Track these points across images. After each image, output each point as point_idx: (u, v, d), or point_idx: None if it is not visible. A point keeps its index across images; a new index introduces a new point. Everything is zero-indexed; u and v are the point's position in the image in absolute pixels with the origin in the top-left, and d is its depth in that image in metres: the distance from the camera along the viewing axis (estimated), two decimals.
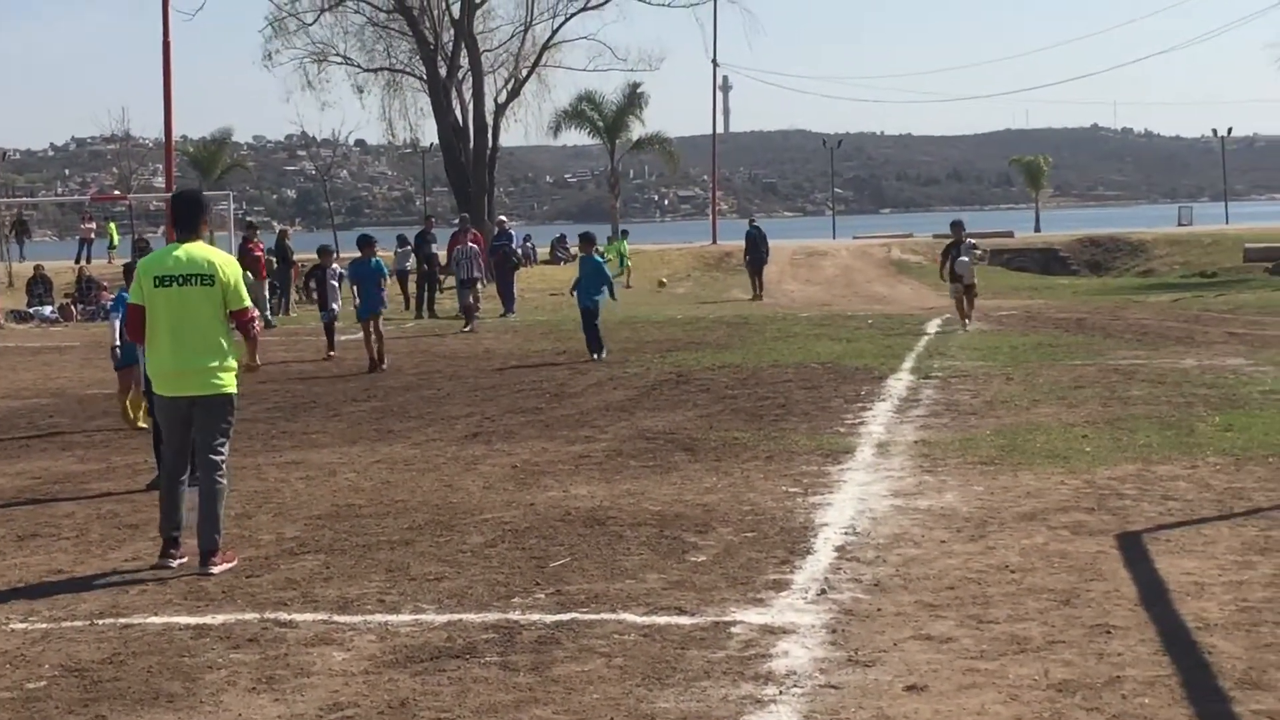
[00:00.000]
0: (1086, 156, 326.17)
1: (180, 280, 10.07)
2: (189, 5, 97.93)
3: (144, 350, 10.53)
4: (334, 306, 27.21)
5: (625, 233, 58.93)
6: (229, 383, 10.21)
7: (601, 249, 61.92)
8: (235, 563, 10.03)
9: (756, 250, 46.67)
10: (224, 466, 10.21)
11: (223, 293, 10.15)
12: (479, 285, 37.84)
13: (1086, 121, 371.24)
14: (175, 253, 10.21)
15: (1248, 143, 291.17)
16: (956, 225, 30.59)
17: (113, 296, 18.25)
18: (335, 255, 30.31)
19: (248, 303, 10.40)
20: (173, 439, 10.30)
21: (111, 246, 61.05)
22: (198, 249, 10.24)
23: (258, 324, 10.77)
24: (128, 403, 17.15)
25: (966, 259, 28.83)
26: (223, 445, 10.22)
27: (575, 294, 25.30)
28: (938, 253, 36.23)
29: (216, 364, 10.11)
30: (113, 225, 64.09)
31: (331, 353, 26.37)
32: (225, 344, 10.19)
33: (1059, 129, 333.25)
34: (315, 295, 30.84)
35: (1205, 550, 9.52)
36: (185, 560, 10.02)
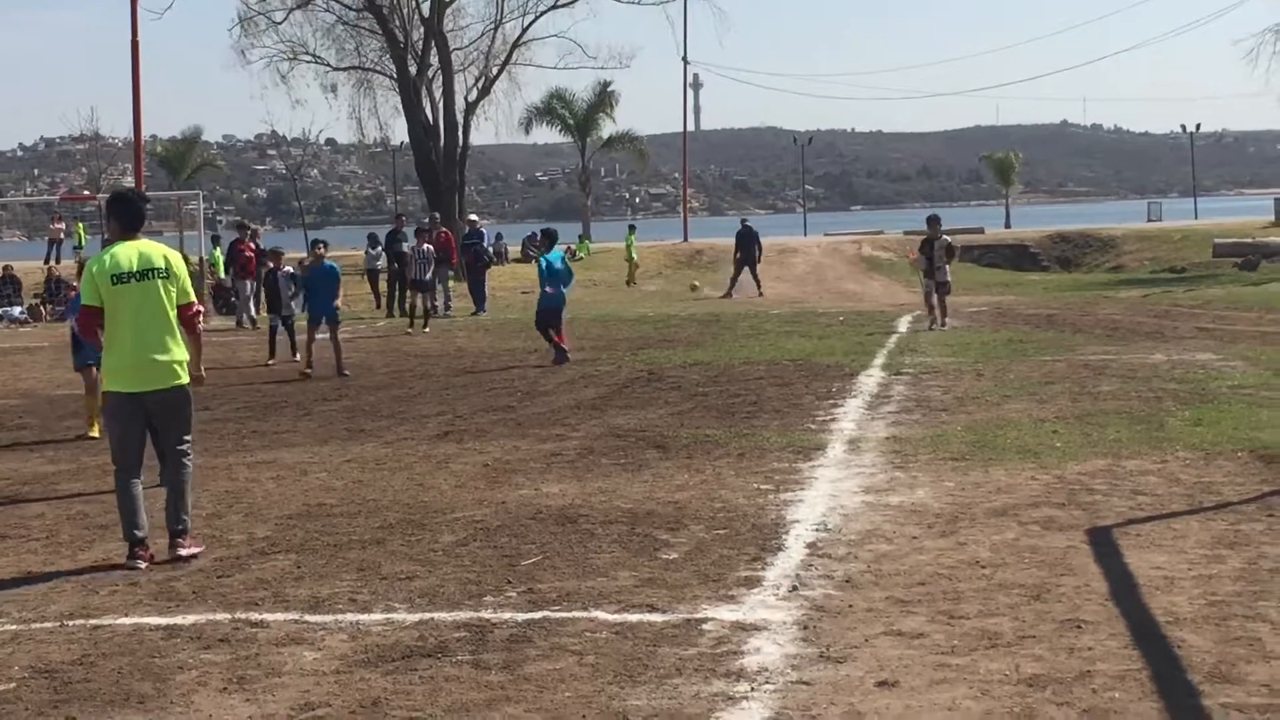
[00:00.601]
0: (1057, 153, 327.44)
1: (139, 276, 10.28)
2: (158, 4, 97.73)
3: (101, 349, 10.62)
4: (292, 307, 26.14)
5: (633, 228, 58.60)
6: (185, 375, 10.49)
7: (573, 246, 62.18)
8: (202, 549, 10.28)
9: (748, 248, 46.51)
10: (189, 454, 10.63)
11: (177, 286, 10.44)
12: (446, 285, 37.78)
13: (1056, 118, 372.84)
14: (126, 251, 10.38)
15: (1216, 138, 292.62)
16: (933, 221, 30.05)
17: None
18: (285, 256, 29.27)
19: (194, 297, 10.69)
20: (130, 437, 10.45)
21: (78, 247, 60.61)
22: (146, 245, 10.48)
23: (201, 321, 10.89)
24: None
25: (925, 257, 28.84)
26: (188, 436, 10.61)
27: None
28: (909, 249, 36.34)
29: (175, 357, 10.39)
30: (81, 225, 63.69)
31: (295, 356, 25.07)
32: (180, 337, 10.48)
33: (1029, 125, 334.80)
34: (267, 297, 29.21)
35: (1175, 544, 9.55)
36: (150, 562, 10.03)
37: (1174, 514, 10.52)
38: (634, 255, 53.99)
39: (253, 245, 39.15)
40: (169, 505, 10.32)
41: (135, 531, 10.17)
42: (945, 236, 29.72)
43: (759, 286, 45.44)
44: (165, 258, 10.44)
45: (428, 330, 31.27)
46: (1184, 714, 6.37)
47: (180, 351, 10.44)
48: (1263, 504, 10.71)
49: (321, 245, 25.11)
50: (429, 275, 33.68)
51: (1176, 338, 23.99)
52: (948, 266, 28.89)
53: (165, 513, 10.32)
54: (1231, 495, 11.09)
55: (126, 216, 10.61)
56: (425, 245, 34.31)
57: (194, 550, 10.23)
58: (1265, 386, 16.98)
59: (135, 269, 10.28)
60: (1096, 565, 9.09)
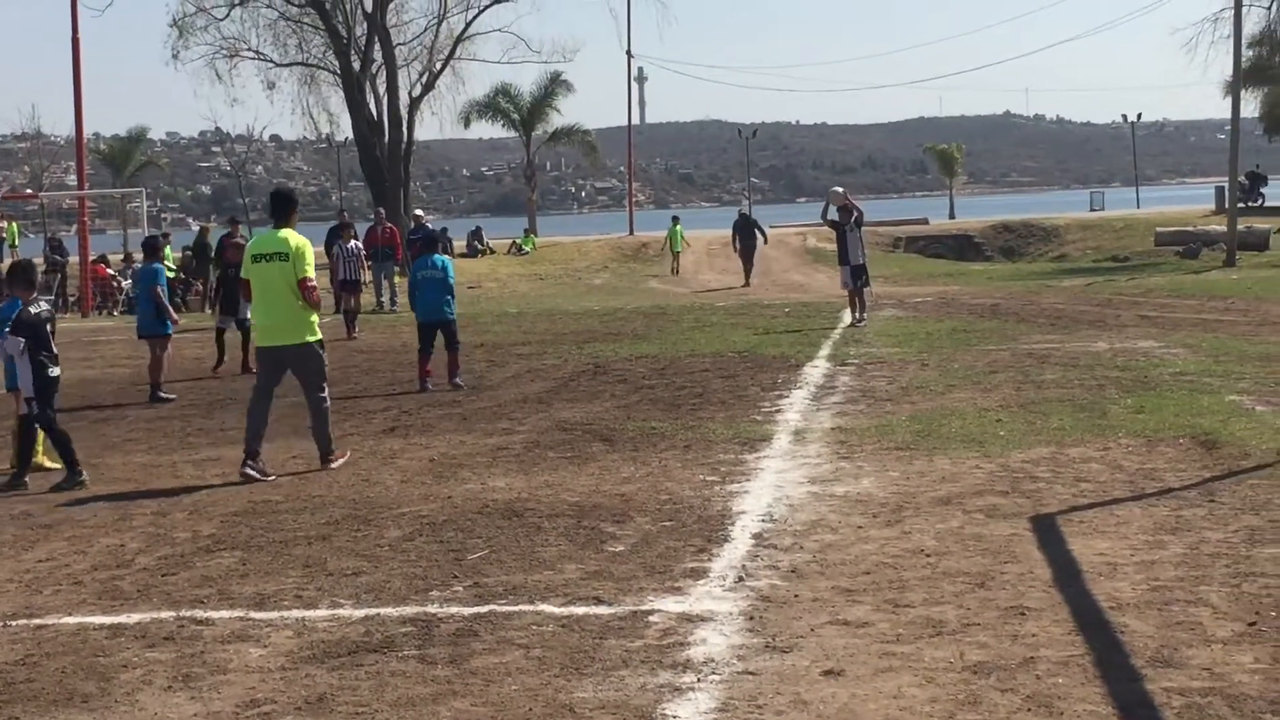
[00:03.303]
0: (1000, 143, 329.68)
1: (268, 258, 13.48)
2: (98, 1, 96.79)
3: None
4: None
5: (676, 219, 58.48)
6: (312, 333, 13.59)
7: (519, 241, 62.03)
8: (348, 457, 13.75)
9: (748, 237, 47.55)
10: (325, 393, 13.74)
11: (294, 266, 13.33)
12: (392, 281, 37.41)
13: (999, 108, 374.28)
14: (267, 238, 13.67)
15: (1158, 128, 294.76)
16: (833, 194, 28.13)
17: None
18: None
19: (310, 274, 13.50)
20: (265, 378, 13.88)
21: (13, 245, 59.75)
22: (285, 234, 13.54)
23: (315, 293, 13.71)
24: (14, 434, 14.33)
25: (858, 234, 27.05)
26: (320, 380, 13.77)
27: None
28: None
29: (295, 321, 13.48)
30: (15, 225, 62.82)
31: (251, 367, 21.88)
32: (302, 305, 13.47)
33: (972, 116, 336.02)
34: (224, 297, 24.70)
35: (1118, 531, 9.63)
36: (265, 471, 13.10)
37: (1116, 501, 10.61)
38: (679, 246, 54.19)
39: (243, 240, 37.44)
40: (316, 435, 13.73)
41: (254, 444, 13.23)
42: (851, 204, 27.46)
43: (748, 276, 46.59)
44: (289, 242, 13.43)
45: (360, 335, 28.88)
46: (1127, 699, 6.42)
47: (299, 317, 13.47)
48: (1204, 490, 10.81)
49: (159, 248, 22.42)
50: (357, 274, 30.87)
51: (1119, 326, 24.14)
52: (863, 248, 27.34)
53: (315, 439, 13.76)
54: (1173, 481, 11.18)
55: (273, 210, 13.99)
56: (351, 243, 31.51)
57: (339, 462, 13.54)
58: (1206, 373, 17.11)
59: (266, 251, 13.51)
60: (1040, 552, 9.15)
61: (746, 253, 47.50)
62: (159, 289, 20.41)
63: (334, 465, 13.50)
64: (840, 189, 28.61)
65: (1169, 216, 64.21)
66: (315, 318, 13.67)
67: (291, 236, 13.54)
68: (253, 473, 13.01)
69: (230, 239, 35.78)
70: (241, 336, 22.98)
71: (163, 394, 19.75)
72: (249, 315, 14.13)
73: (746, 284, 45.67)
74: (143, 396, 19.92)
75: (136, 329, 21.02)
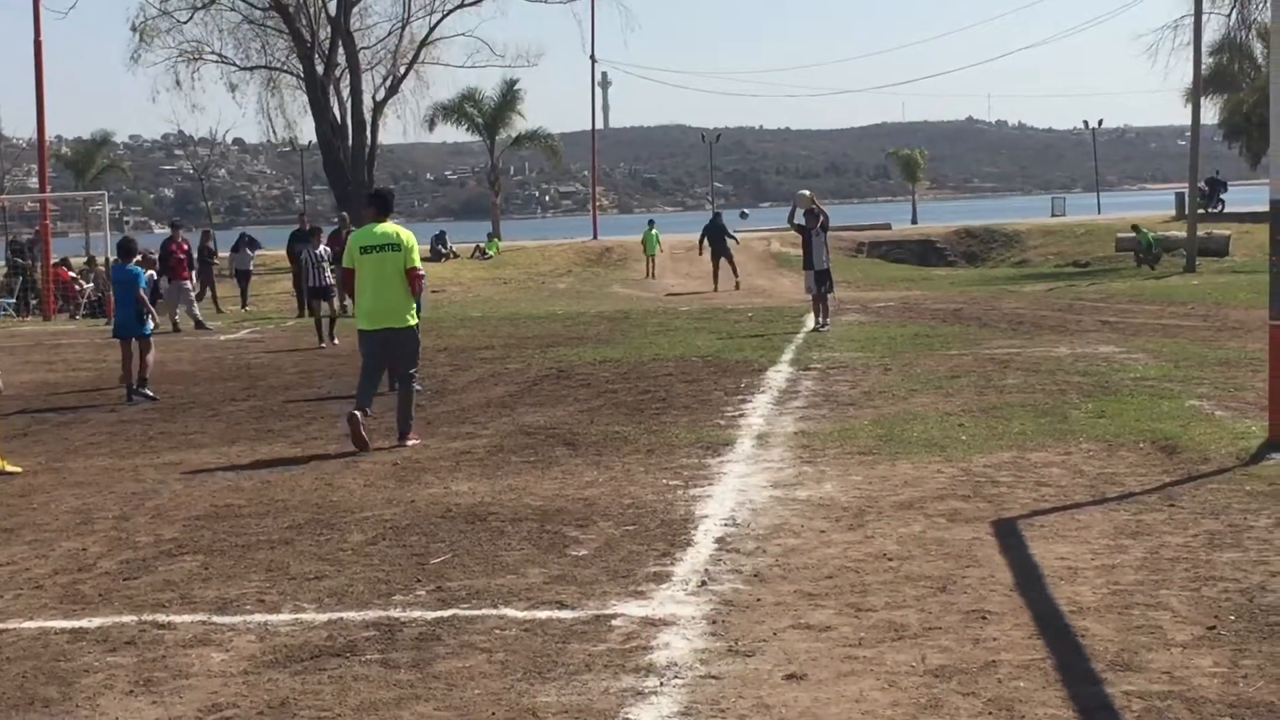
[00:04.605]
0: (962, 149, 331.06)
1: (378, 249, 14.74)
2: (61, 3, 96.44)
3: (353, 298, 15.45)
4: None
5: (652, 222, 58.35)
6: (412, 319, 15.00)
7: (483, 245, 62.01)
8: (418, 441, 14.71)
9: (718, 241, 47.83)
10: (415, 376, 15.19)
11: (405, 256, 14.77)
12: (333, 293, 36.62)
13: (962, 114, 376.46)
14: (373, 230, 14.87)
15: (1119, 134, 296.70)
16: (800, 196, 28.28)
17: None
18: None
19: (418, 264, 14.98)
20: (372, 360, 15.05)
21: None
22: (389, 226, 14.95)
23: (423, 281, 15.47)
24: None
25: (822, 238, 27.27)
26: (414, 362, 15.21)
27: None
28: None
29: (402, 306, 14.87)
30: None
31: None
32: (407, 293, 14.89)
33: (935, 122, 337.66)
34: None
35: (1078, 535, 9.66)
36: (363, 429, 14.45)
37: (1077, 505, 10.65)
38: (653, 249, 54.50)
39: (186, 244, 36.74)
40: (398, 411, 14.93)
41: (363, 404, 14.76)
42: (818, 208, 27.74)
43: (736, 277, 47.00)
44: (398, 234, 14.87)
45: (336, 343, 27.32)
46: (1087, 702, 6.45)
47: (407, 303, 14.88)
48: (1164, 494, 10.86)
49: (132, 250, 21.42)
50: (326, 280, 28.21)
51: (1080, 331, 24.24)
52: (827, 252, 27.56)
53: (396, 418, 14.92)
54: (1134, 486, 11.23)
55: (377, 206, 15.20)
56: (320, 248, 29.19)
57: (414, 442, 14.66)
58: (1166, 378, 17.19)
59: (376, 243, 14.74)
60: (1001, 556, 9.19)
61: (716, 257, 47.58)
62: (142, 291, 20.65)
63: (410, 443, 14.62)
64: (807, 192, 28.68)
65: (1130, 222, 64.51)
66: (414, 305, 15.12)
67: (400, 230, 15.05)
68: (358, 416, 14.54)
69: (172, 241, 35.66)
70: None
71: (148, 392, 19.91)
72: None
73: (715, 289, 45.68)
74: (105, 399, 19.88)
75: (113, 329, 20.94)
